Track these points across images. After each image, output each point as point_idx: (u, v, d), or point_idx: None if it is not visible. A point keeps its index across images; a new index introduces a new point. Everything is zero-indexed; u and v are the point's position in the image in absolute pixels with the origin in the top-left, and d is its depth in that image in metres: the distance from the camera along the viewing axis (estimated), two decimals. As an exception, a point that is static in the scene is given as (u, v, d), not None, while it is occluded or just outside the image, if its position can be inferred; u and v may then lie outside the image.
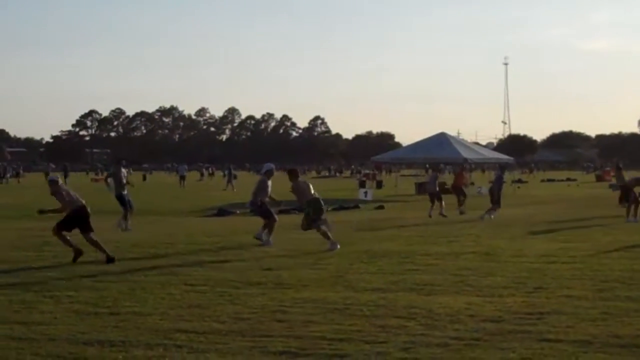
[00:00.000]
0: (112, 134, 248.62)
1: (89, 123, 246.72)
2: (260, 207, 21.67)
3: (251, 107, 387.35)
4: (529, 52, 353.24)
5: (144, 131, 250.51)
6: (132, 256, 18.63)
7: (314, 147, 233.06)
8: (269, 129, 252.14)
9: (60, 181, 18.75)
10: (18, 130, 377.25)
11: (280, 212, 37.43)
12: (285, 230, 23.90)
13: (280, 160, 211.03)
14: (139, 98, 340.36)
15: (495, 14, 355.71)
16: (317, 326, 10.67)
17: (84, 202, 18.26)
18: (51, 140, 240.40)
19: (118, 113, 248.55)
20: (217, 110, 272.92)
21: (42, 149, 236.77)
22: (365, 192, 47.94)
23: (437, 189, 34.18)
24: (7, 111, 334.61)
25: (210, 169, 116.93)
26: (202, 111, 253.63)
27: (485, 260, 17.33)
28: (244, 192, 57.23)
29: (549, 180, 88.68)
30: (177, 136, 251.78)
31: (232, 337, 10.10)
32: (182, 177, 76.83)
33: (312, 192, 20.89)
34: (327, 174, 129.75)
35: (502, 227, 25.81)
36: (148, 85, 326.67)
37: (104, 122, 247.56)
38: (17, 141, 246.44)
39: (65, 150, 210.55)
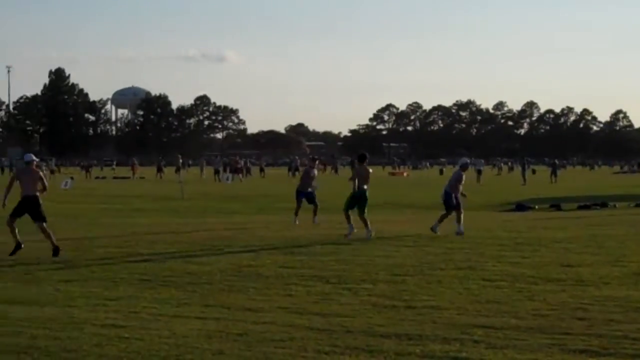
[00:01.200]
0: (409, 127, 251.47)
1: (386, 117, 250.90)
2: (450, 199, 22.80)
3: (550, 100, 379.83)
4: None
5: (441, 125, 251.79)
6: (429, 249, 18.72)
7: (615, 141, 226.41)
8: (568, 123, 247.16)
9: (34, 164, 19.20)
10: (317, 124, 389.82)
11: (581, 207, 36.63)
12: (587, 226, 23.30)
13: (580, 155, 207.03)
14: (436, 91, 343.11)
15: None
16: (619, 325, 10.33)
17: (33, 193, 18.55)
18: (349, 134, 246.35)
19: (415, 107, 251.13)
20: (515, 104, 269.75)
21: (340, 143, 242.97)
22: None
23: None
24: (307, 105, 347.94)
25: (509, 163, 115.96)
26: (499, 105, 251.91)
27: None
28: (541, 187, 56.58)
29: None
30: (474, 130, 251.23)
31: (530, 334, 9.95)
32: (479, 172, 76.59)
33: (366, 184, 22.34)
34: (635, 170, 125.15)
35: None
36: (444, 79, 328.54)
37: (401, 116, 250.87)
38: (315, 135, 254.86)
39: (362, 144, 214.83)
